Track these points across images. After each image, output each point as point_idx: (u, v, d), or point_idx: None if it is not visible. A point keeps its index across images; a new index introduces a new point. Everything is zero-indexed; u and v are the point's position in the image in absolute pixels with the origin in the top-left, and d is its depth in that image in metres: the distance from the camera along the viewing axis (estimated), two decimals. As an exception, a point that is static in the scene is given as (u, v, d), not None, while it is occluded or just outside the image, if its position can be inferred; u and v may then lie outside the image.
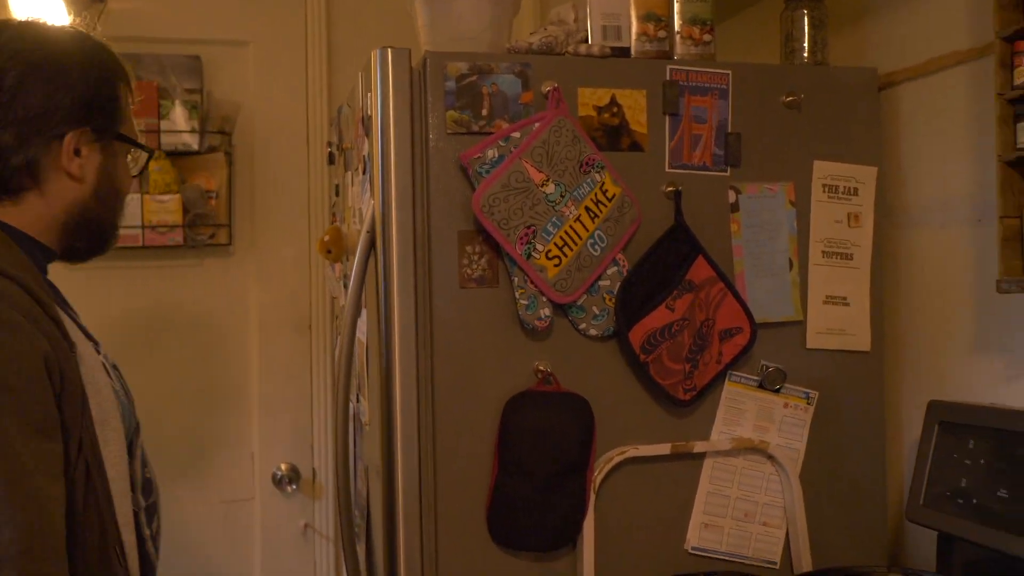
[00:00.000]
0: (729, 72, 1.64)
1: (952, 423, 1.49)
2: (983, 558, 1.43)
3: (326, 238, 1.66)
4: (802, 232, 1.68)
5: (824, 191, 1.71)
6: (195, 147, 2.44)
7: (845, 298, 1.71)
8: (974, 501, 1.40)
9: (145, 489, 1.30)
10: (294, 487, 2.48)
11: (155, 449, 2.39)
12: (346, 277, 1.89)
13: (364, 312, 1.63)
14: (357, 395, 1.77)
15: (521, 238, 1.48)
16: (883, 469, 1.70)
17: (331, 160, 2.21)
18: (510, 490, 1.47)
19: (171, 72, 2.47)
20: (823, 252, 1.70)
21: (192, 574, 2.43)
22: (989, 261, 1.57)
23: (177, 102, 2.44)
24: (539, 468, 1.46)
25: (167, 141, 2.42)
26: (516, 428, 1.47)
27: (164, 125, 2.42)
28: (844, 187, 1.72)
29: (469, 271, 1.51)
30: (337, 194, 2.11)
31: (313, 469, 2.51)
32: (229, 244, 2.48)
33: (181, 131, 2.43)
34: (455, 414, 1.49)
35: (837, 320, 1.70)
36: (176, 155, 2.43)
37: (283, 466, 2.48)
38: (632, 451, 1.54)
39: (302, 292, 2.55)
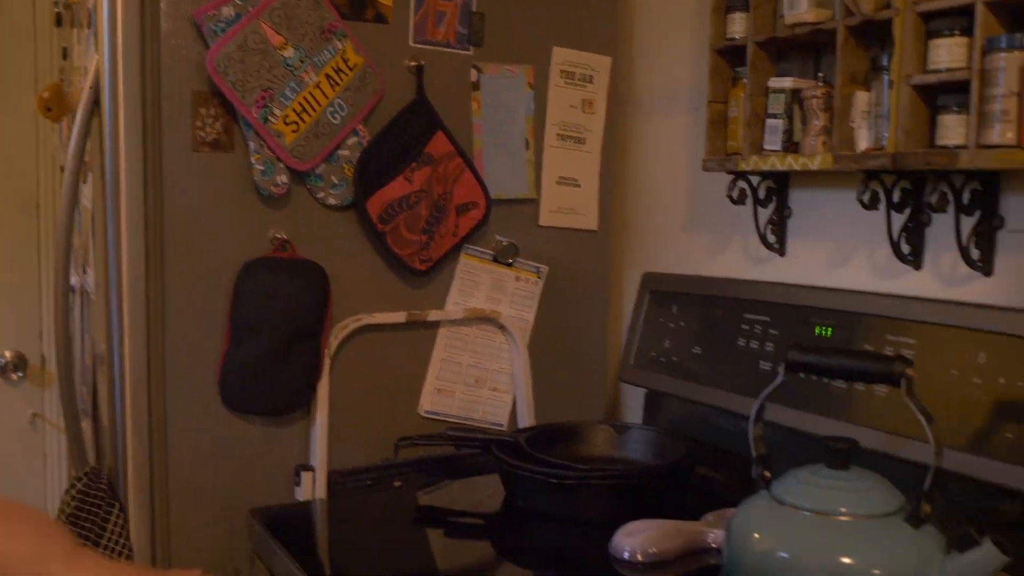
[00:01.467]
0: (474, -49, 1.66)
1: (661, 292, 1.63)
2: (683, 411, 1.59)
3: (45, 95, 1.56)
4: (539, 115, 1.75)
5: (561, 77, 1.78)
6: None
7: (576, 180, 1.81)
8: (674, 359, 1.55)
9: None
10: (20, 375, 2.34)
11: None
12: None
13: (90, 177, 1.55)
14: (84, 267, 1.69)
15: (257, 101, 1.46)
16: (604, 337, 1.83)
17: (59, 21, 2.06)
18: (243, 355, 1.47)
19: None
20: (558, 135, 1.79)
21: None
22: (698, 147, 1.71)
23: None
24: (272, 333, 1.47)
25: None
26: (249, 294, 1.47)
27: None
28: (580, 74, 1.80)
29: (203, 134, 1.47)
30: (65, 57, 1.97)
31: (42, 356, 2.38)
32: (-58, 115, 2.27)
33: None
34: (186, 281, 1.46)
35: (568, 200, 1.79)
36: None
37: (7, 353, 2.34)
38: (367, 319, 1.57)
39: (28, 168, 2.37)
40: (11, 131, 2.35)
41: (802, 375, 1.06)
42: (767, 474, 1.05)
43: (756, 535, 0.99)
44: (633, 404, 1.86)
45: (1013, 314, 1.08)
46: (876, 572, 0.92)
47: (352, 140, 1.56)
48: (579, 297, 1.81)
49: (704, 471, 1.51)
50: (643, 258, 1.88)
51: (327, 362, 1.53)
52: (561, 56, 1.78)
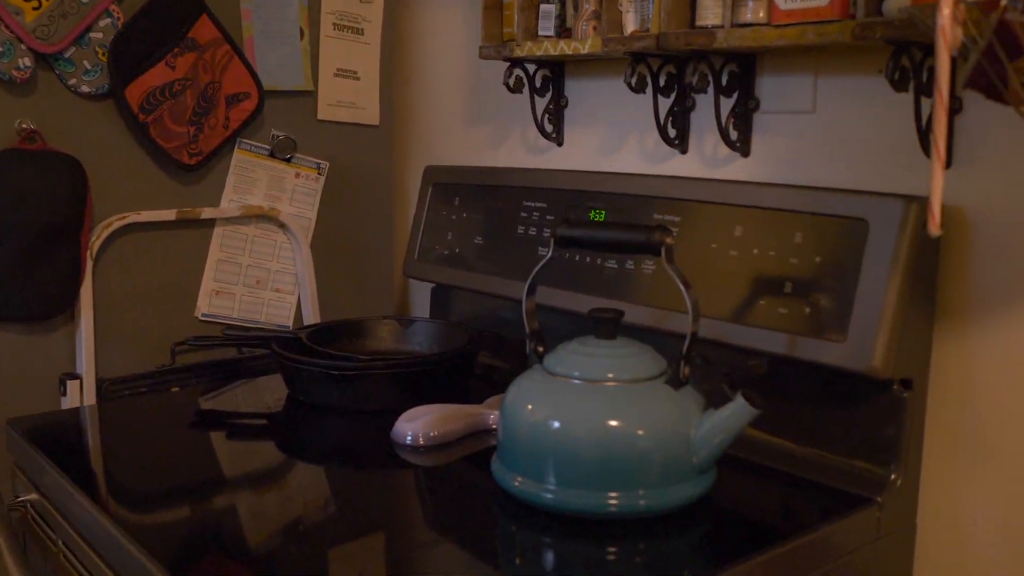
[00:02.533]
0: None
1: (443, 184, 1.62)
2: (469, 304, 1.60)
3: None
4: (313, 2, 1.67)
5: (335, -37, 1.71)
6: None
7: (356, 72, 1.75)
8: (458, 252, 1.55)
9: None
10: None
11: None
12: None
13: None
14: None
15: (-11, -25, 1.31)
16: (390, 234, 1.81)
17: None
18: (-10, 257, 1.35)
19: None
20: (334, 24, 1.72)
21: None
22: (477, 36, 1.69)
23: None
24: (22, 233, 1.35)
25: None
26: (-6, 190, 1.34)
27: None
28: (356, -40, 1.73)
29: (-75, 11, 1.31)
30: None
31: None
32: None
33: None
34: (-82, 176, 1.32)
35: (348, 93, 1.74)
36: None
37: None
38: (133, 216, 1.48)
39: None
40: None
41: (576, 256, 1.09)
42: (540, 349, 1.07)
43: (529, 407, 1.01)
44: (421, 300, 1.85)
45: (765, 188, 1.13)
46: (640, 432, 0.96)
47: (105, 21, 1.44)
48: (363, 194, 1.77)
49: (487, 359, 1.53)
50: (427, 152, 1.85)
51: (89, 263, 1.43)
52: (334, -60, 1.70)
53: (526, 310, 1.08)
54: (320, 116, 1.70)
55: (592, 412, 0.98)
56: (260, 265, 1.66)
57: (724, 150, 1.31)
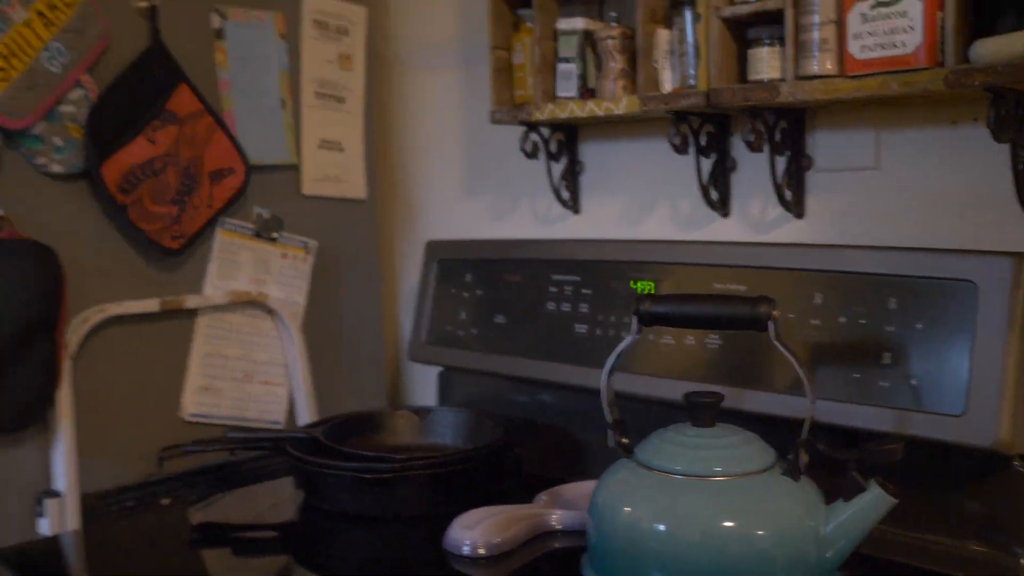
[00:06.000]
0: None
1: (450, 260, 1.49)
2: (480, 388, 1.47)
3: None
4: (294, 70, 1.55)
5: (314, 27, 1.59)
6: None
7: (339, 143, 1.63)
8: (474, 332, 1.42)
9: None
10: None
11: None
12: None
13: None
14: None
15: (-51, 44, 1.15)
16: (378, 315, 1.67)
17: None
18: (-47, 364, 1.17)
19: None
20: (316, 93, 1.60)
21: None
22: (476, 102, 1.60)
23: None
24: (-8, 333, 1.18)
25: None
26: (-43, 286, 1.17)
27: None
28: (335, 25, 1.62)
29: None
30: None
31: None
32: None
33: None
34: None
35: (333, 166, 1.61)
36: None
37: None
38: (114, 308, 1.31)
39: None
40: None
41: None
42: (625, 440, 0.95)
43: (627, 508, 0.88)
44: (421, 385, 1.71)
45: (848, 251, 1.05)
46: (760, 532, 0.85)
47: (77, 93, 1.29)
48: (352, 273, 1.63)
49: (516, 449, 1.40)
50: (419, 226, 1.73)
51: (66, 363, 1.26)
52: (312, 3, 1.59)
53: (606, 398, 0.96)
54: (305, 191, 1.57)
55: (701, 512, 0.86)
56: (248, 357, 1.50)
57: (772, 212, 1.23)
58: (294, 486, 1.28)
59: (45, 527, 1.25)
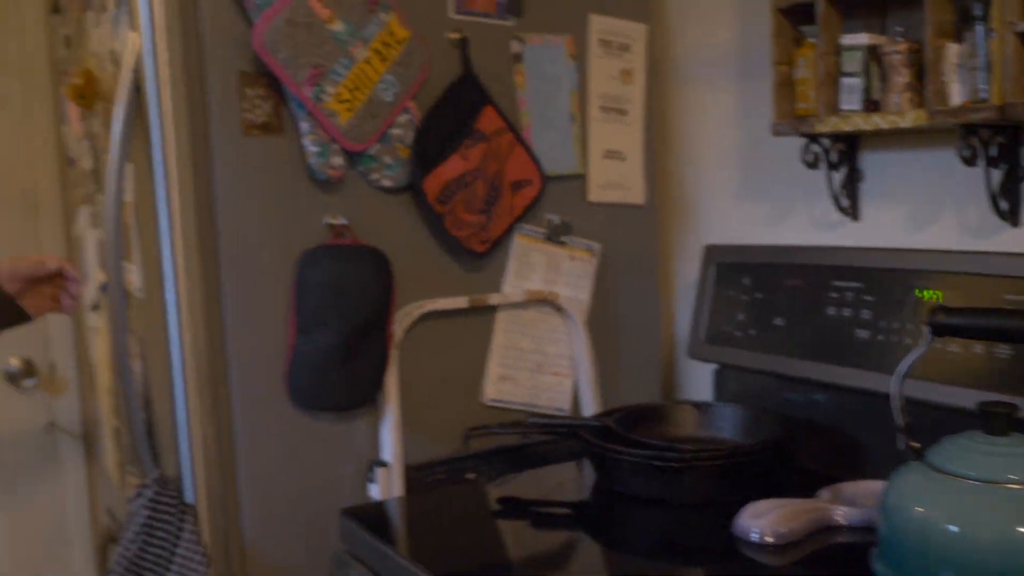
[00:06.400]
0: (509, -83, 1.59)
1: (728, 264, 1.58)
2: (754, 386, 1.54)
3: (78, 82, 1.45)
4: (582, 86, 1.69)
5: (600, 46, 1.72)
6: None
7: (621, 153, 1.74)
8: (752, 333, 1.50)
9: None
10: (31, 381, 2.22)
11: None
12: (92, 136, 1.68)
13: (131, 167, 1.45)
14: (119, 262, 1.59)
15: (309, 80, 1.37)
16: (658, 314, 1.78)
17: (56, 8, 1.94)
18: (310, 348, 1.39)
19: None
20: (600, 107, 1.72)
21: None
22: (752, 112, 1.66)
23: None
24: (339, 324, 1.39)
25: None
26: (312, 284, 1.39)
27: None
28: (617, 43, 1.74)
29: (252, 116, 1.38)
30: (67, 46, 1.86)
31: (51, 362, 2.27)
32: (-73, 113, 2.13)
33: None
34: (243, 273, 1.38)
35: (616, 174, 1.74)
36: None
37: (15, 360, 2.22)
38: (431, 304, 1.50)
39: (23, 166, 2.24)
40: (5, 128, 2.22)
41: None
42: (916, 444, 1.01)
43: (919, 509, 0.94)
44: (695, 382, 1.81)
45: None
46: (1056, 539, 0.88)
47: (404, 118, 1.48)
48: (632, 273, 1.75)
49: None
50: (696, 230, 1.82)
51: (393, 352, 1.46)
52: (598, 24, 1.71)
53: (898, 402, 1.02)
54: (591, 198, 1.70)
55: (997, 517, 0.90)
56: (539, 349, 1.65)
57: (1068, 222, 1.23)
58: (583, 469, 1.41)
59: (375, 492, 1.45)
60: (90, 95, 1.44)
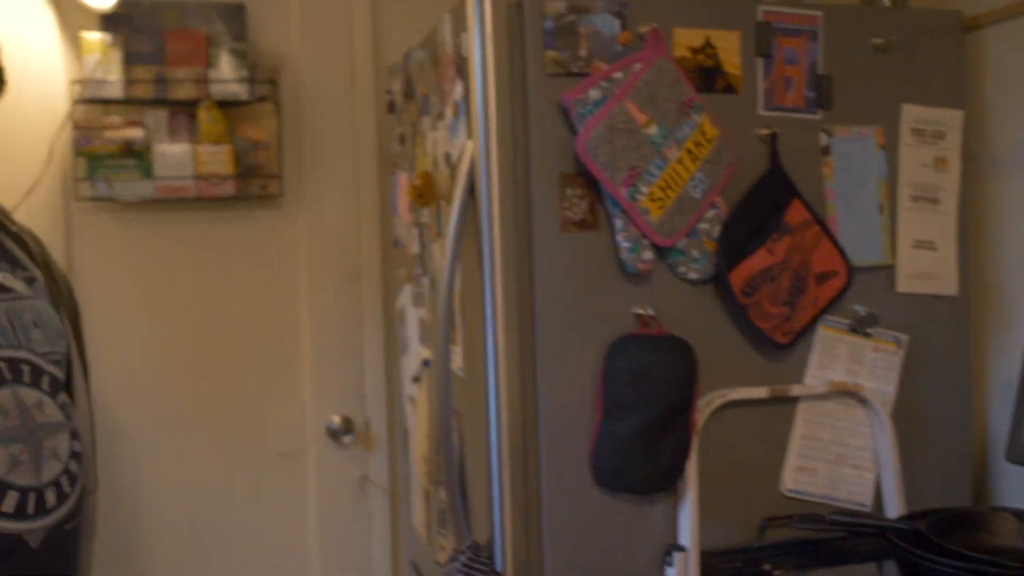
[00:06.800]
0: (819, 13, 1.62)
1: (1054, 364, 1.49)
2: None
3: (418, 182, 1.64)
4: (891, 176, 1.67)
5: (912, 135, 1.70)
6: (244, 96, 2.38)
7: (932, 242, 1.70)
8: (1081, 440, 1.41)
9: None
10: (350, 438, 2.46)
11: (207, 403, 2.38)
12: (421, 225, 1.87)
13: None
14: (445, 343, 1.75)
15: (625, 181, 1.46)
16: (970, 411, 1.70)
17: (391, 108, 2.18)
18: (615, 432, 1.46)
19: (217, 20, 2.41)
20: (911, 196, 1.69)
21: (247, 525, 2.43)
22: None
23: (224, 50, 2.39)
24: (643, 410, 1.46)
25: (216, 91, 2.37)
26: (620, 371, 1.46)
27: (212, 74, 2.37)
28: (931, 131, 1.70)
29: (570, 214, 1.49)
30: (401, 142, 2.08)
31: (366, 420, 2.50)
32: (280, 195, 2.45)
33: (229, 80, 2.38)
34: (556, 358, 1.48)
35: (925, 264, 1.69)
36: (224, 105, 2.38)
37: (336, 418, 2.47)
38: (733, 394, 1.54)
39: (351, 243, 2.51)
40: (336, 209, 2.50)
41: None
42: None
43: None
44: (1013, 487, 1.70)
45: None
46: None
47: (711, 213, 1.54)
48: (942, 367, 1.69)
49: None
50: (1012, 323, 1.73)
51: (695, 439, 1.50)
52: (911, 113, 1.69)
53: None
54: (899, 289, 1.67)
55: None
56: (840, 441, 1.64)
57: None
58: (886, 573, 1.38)
59: (671, 575, 1.49)
60: (428, 195, 1.61)
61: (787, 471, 1.60)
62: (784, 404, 1.60)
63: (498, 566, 1.48)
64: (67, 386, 1.34)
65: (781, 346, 1.57)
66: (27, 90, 2.24)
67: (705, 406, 1.52)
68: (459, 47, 1.55)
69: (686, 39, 1.55)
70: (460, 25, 1.54)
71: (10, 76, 2.23)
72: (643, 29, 1.51)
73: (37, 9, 2.26)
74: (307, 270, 2.49)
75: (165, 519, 2.37)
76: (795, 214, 1.58)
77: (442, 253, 1.56)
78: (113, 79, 2.27)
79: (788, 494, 1.60)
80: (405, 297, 2.10)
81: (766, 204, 1.57)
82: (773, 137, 1.58)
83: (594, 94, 1.46)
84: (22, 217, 2.19)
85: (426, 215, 1.82)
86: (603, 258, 1.50)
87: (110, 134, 2.27)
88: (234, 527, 2.42)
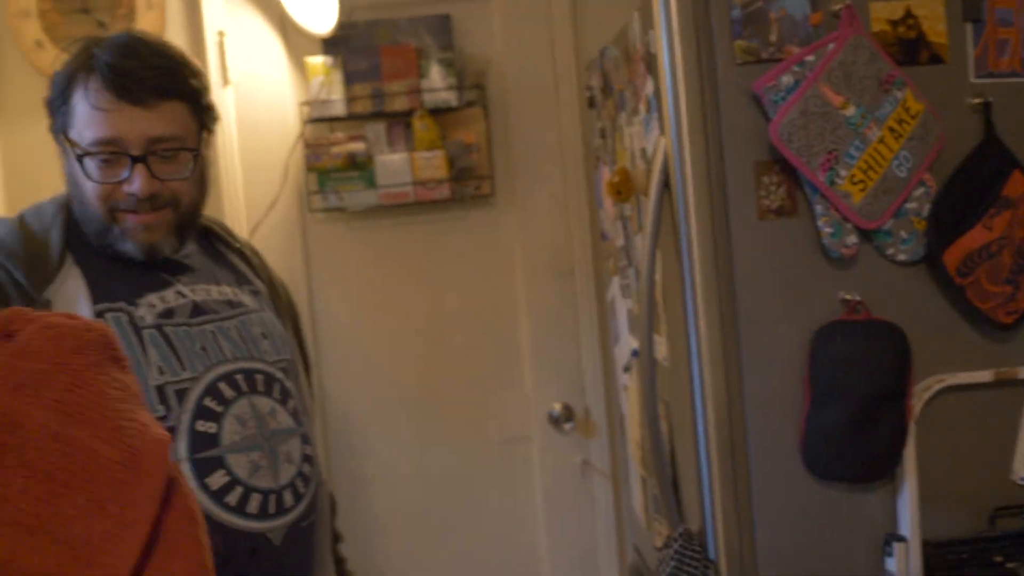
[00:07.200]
0: (1038, -33, 1.52)
1: None
2: None
3: (616, 179, 1.68)
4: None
5: None
6: (454, 103, 2.51)
7: None
8: None
9: (196, 442, 1.28)
10: (570, 425, 2.55)
11: (434, 394, 2.53)
12: (625, 219, 1.91)
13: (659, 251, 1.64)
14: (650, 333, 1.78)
15: (823, 165, 1.44)
16: None
17: (591, 104, 2.23)
18: (823, 420, 1.44)
19: (425, 33, 2.55)
20: None
21: (476, 510, 2.56)
22: None
23: (433, 61, 2.52)
24: (853, 398, 1.43)
25: (428, 99, 2.50)
26: (828, 358, 1.44)
27: (424, 84, 2.51)
28: None
29: (767, 202, 1.48)
30: (602, 137, 2.13)
31: (586, 407, 2.58)
32: (492, 195, 2.56)
33: (439, 89, 2.51)
34: (760, 347, 1.48)
35: None
36: (436, 113, 2.52)
37: (557, 405, 2.56)
38: (952, 379, 1.47)
39: (562, 237, 2.59)
40: (546, 205, 2.58)
41: None
42: None
43: None
44: None
45: None
46: None
47: (919, 191, 1.48)
48: None
49: None
50: None
51: (911, 427, 1.46)
52: None
53: None
54: None
55: None
56: (1078, 425, 1.53)
57: None
58: None
59: (892, 566, 1.46)
60: (626, 191, 1.65)
61: (1019, 458, 1.51)
62: (1013, 387, 1.52)
63: (711, 554, 1.51)
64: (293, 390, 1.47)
65: (1005, 327, 1.49)
66: (264, 118, 2.46)
67: (922, 392, 1.47)
68: (648, 44, 1.58)
69: (884, 12, 1.49)
70: (648, 22, 1.56)
71: (246, 107, 2.47)
72: (836, 7, 1.47)
73: (268, 41, 2.47)
74: (522, 265, 2.59)
75: (398, 506, 2.55)
76: (1015, 186, 1.49)
77: (644, 246, 1.59)
78: (336, 98, 2.45)
79: (1021, 482, 1.51)
80: (614, 288, 2.14)
81: (982, 177, 1.48)
82: (987, 106, 1.49)
83: (786, 79, 1.44)
84: (264, 231, 2.44)
85: (628, 208, 1.86)
86: (805, 244, 1.48)
87: (336, 149, 2.46)
88: (464, 512, 2.56)
